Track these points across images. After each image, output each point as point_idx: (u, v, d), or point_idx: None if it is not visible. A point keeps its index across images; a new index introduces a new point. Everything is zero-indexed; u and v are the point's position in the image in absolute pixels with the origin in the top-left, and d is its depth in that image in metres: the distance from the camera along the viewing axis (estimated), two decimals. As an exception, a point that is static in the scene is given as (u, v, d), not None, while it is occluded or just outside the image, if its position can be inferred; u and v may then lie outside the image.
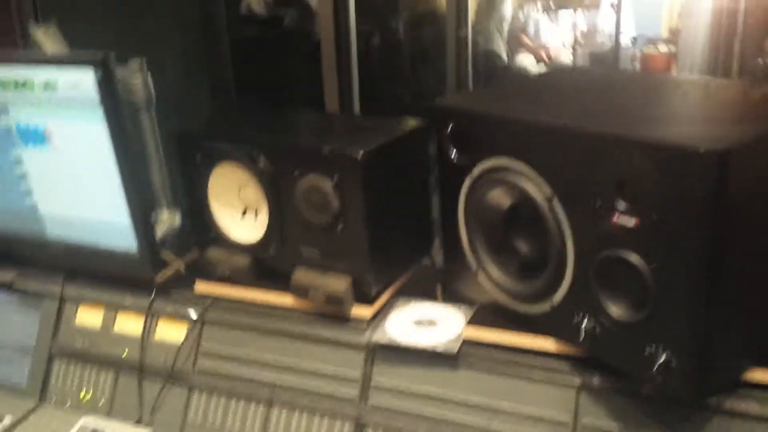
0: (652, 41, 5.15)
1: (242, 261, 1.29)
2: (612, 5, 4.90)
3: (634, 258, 0.92)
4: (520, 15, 5.26)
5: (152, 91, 1.52)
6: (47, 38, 1.50)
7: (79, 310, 1.40)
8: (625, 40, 4.98)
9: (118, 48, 1.22)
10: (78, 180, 1.29)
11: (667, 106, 1.03)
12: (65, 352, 1.39)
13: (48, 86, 1.22)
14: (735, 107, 1.01)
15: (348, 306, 1.20)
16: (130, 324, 1.36)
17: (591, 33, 5.30)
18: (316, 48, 2.83)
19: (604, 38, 5.16)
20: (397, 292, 1.29)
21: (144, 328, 1.33)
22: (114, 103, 1.19)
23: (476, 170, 1.11)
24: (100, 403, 1.35)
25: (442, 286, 1.28)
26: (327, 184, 1.14)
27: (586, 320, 1.02)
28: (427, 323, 1.20)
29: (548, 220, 1.02)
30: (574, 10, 5.25)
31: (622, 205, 0.91)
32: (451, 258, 1.22)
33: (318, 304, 1.22)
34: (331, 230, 1.17)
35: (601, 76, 1.30)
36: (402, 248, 1.26)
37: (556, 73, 1.43)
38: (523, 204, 1.07)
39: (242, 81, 3.91)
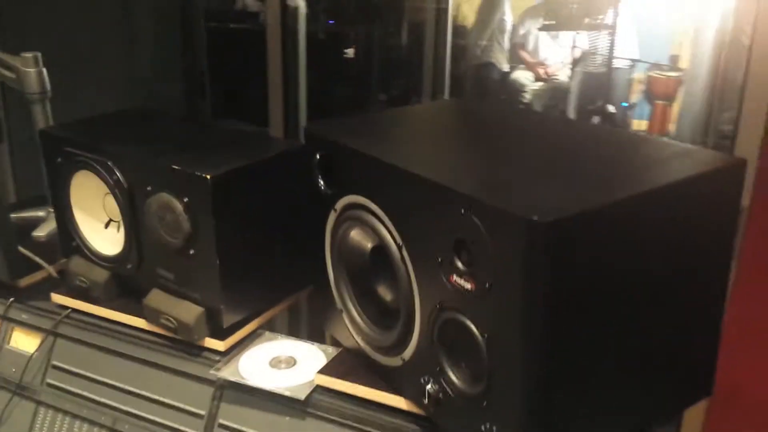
0: (658, 65, 5.02)
1: (100, 275, 1.20)
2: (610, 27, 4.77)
3: (470, 324, 0.82)
4: (520, 29, 5.14)
5: (47, 84, 1.44)
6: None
7: (-58, 307, 1.31)
8: (624, 63, 4.85)
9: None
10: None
11: (540, 161, 0.92)
12: None
13: None
14: (606, 171, 0.90)
15: (198, 336, 1.10)
16: (-14, 329, 1.27)
17: (590, 53, 5.17)
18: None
19: (603, 59, 5.04)
20: (264, 324, 1.19)
21: (-4, 335, 1.24)
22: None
23: (339, 204, 1.01)
24: (-52, 410, 1.26)
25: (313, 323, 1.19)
26: (177, 205, 1.04)
27: (431, 383, 0.92)
28: (284, 362, 1.10)
29: (399, 269, 0.92)
30: (576, 31, 5.11)
31: (459, 264, 0.81)
32: (320, 295, 1.13)
33: (169, 332, 1.12)
34: (183, 254, 1.07)
35: (495, 115, 1.19)
36: (269, 279, 1.16)
37: (452, 105, 1.33)
38: (383, 248, 0.97)
39: (215, 74, 3.83)
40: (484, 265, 0.77)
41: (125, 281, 1.19)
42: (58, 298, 1.23)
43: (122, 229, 1.17)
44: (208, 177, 1.00)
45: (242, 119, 3.97)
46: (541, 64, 4.98)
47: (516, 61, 4.90)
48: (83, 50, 3.09)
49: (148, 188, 1.07)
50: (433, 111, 1.22)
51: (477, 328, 0.81)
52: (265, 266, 1.13)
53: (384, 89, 3.96)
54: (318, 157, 1.04)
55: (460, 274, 0.81)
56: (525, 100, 4.75)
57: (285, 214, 1.13)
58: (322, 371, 1.05)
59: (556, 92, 4.81)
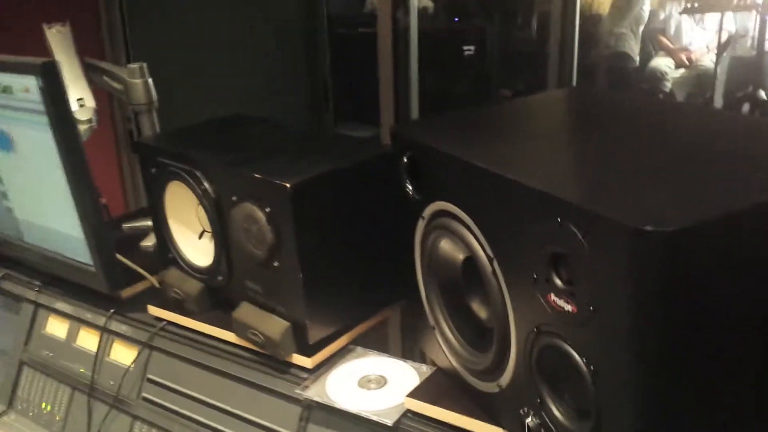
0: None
1: (194, 287, 1.17)
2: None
3: (573, 353, 0.69)
4: (661, 14, 4.79)
5: (153, 95, 1.44)
6: (56, 40, 1.46)
7: (49, 319, 1.35)
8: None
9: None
10: (39, 189, 1.23)
11: (663, 160, 0.77)
12: (33, 360, 1.34)
13: (6, 90, 1.16)
14: (741, 171, 0.74)
15: (285, 352, 1.04)
16: (90, 340, 1.28)
17: (739, 36, 4.72)
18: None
19: (753, 42, 4.58)
20: (355, 339, 1.11)
21: (98, 346, 1.25)
22: (59, 112, 1.10)
23: (427, 212, 0.91)
24: (57, 418, 1.29)
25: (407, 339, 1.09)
26: (260, 215, 0.98)
27: (531, 416, 0.80)
28: (374, 382, 1.02)
29: (491, 284, 0.80)
30: (722, 13, 4.69)
31: (558, 282, 0.69)
32: (413, 310, 1.03)
33: (257, 346, 1.07)
34: (268, 266, 1.02)
35: (619, 107, 1.03)
36: (357, 292, 1.08)
37: (569, 96, 1.17)
38: (475, 261, 0.86)
39: (340, 80, 3.84)
40: (587, 283, 0.65)
41: (217, 293, 1.16)
42: (154, 310, 1.22)
43: (213, 241, 1.13)
44: (288, 185, 0.93)
45: (364, 122, 3.96)
46: (684, 49, 4.61)
47: (653, 48, 4.58)
48: (210, 62, 3.18)
49: (234, 198, 1.02)
50: (544, 104, 1.09)
51: (581, 358, 0.68)
52: (352, 279, 1.05)
53: (508, 85, 3.80)
54: (405, 160, 0.95)
55: (559, 294, 0.69)
56: (665, 89, 4.42)
57: (373, 223, 1.05)
58: (412, 394, 0.96)
59: (700, 79, 4.43)
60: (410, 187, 0.95)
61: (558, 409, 0.75)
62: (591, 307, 0.65)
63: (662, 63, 4.64)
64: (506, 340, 0.81)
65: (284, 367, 1.06)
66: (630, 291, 0.60)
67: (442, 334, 0.95)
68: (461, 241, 0.85)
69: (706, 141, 0.83)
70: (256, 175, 0.97)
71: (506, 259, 0.77)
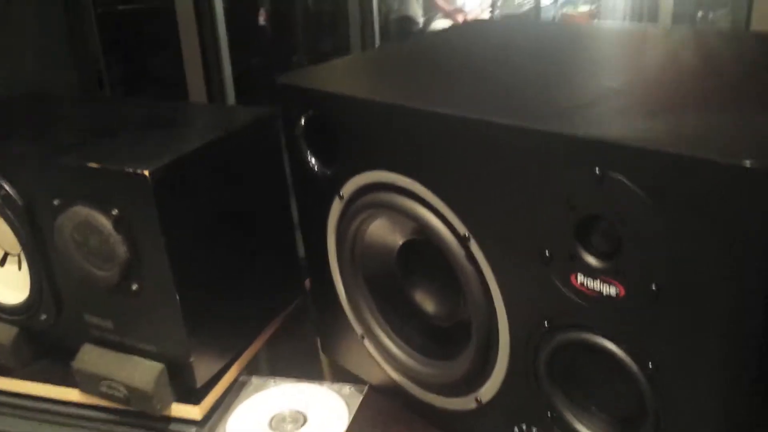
0: (571, 1, 4.86)
1: (4, 333, 0.83)
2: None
3: (617, 350, 0.52)
4: (435, -24, 4.84)
5: None
6: None
7: None
8: (546, 1, 4.65)
9: None
10: None
11: (648, 82, 0.62)
12: None
13: None
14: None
15: (162, 404, 0.76)
16: None
17: (507, -6, 4.91)
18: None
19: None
20: (248, 365, 0.86)
21: None
22: None
23: (347, 188, 0.68)
24: None
25: (322, 349, 0.86)
26: (102, 221, 0.69)
27: (532, 432, 0.62)
28: (291, 420, 0.78)
29: (465, 272, 0.60)
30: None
31: (590, 259, 0.51)
32: (325, 314, 0.80)
33: (116, 402, 0.77)
34: (123, 290, 0.72)
35: (522, 31, 0.88)
36: (249, 304, 0.82)
37: (460, 30, 1.01)
38: (426, 242, 0.66)
39: (112, 56, 3.39)
40: (646, 255, 0.47)
41: (40, 338, 0.83)
42: (-56, 375, 0.86)
43: (25, 266, 0.80)
44: (147, 173, 0.65)
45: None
46: (459, 10, 4.72)
47: (432, 11, 4.64)
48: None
49: (56, 202, 0.71)
50: (429, 44, 0.89)
51: (631, 356, 0.51)
52: (239, 290, 0.79)
53: (308, 52, 3.59)
54: (303, 122, 0.71)
55: (593, 274, 0.51)
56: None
57: (257, 212, 0.79)
58: (353, 428, 0.73)
59: (478, 39, 4.58)
60: (313, 160, 0.72)
61: (583, 424, 0.57)
62: (653, 286, 0.47)
63: (442, 25, 4.71)
64: (491, 343, 0.61)
65: (162, 425, 0.77)
66: (730, 257, 0.43)
67: (377, 342, 0.74)
68: (410, 221, 0.64)
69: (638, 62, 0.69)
70: (92, 165, 0.67)
71: (491, 236, 0.57)
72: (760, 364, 0.46)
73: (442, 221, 0.60)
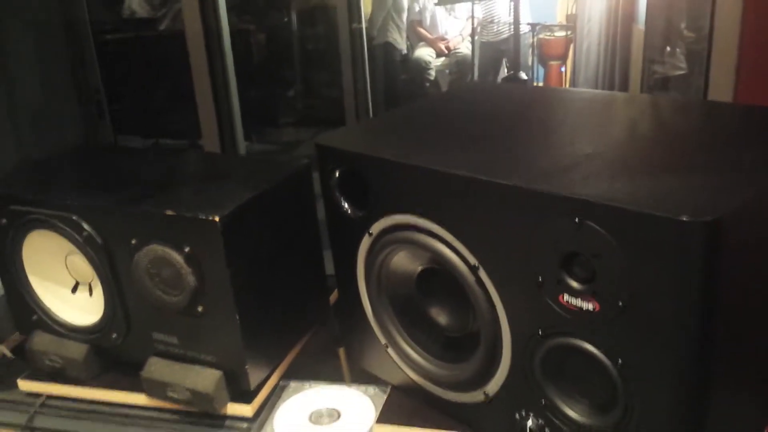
0: (548, 27, 5.06)
1: (77, 350, 0.98)
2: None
3: (594, 350, 0.68)
4: (415, 6, 5.03)
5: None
6: None
7: None
8: (524, 29, 4.85)
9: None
10: None
11: (613, 148, 0.79)
12: None
13: None
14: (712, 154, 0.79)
15: (220, 405, 0.91)
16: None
17: (486, 22, 5.13)
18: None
19: (501, 27, 5.01)
20: (286, 371, 1.01)
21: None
22: None
23: (375, 228, 0.85)
24: None
25: (346, 361, 1.02)
26: (176, 257, 0.84)
27: (531, 418, 0.78)
28: (327, 415, 0.93)
29: (475, 293, 0.77)
30: (473, 2, 5.06)
31: (572, 283, 0.67)
32: (353, 328, 0.96)
33: (180, 404, 0.92)
34: (189, 312, 0.88)
35: (516, 95, 1.05)
36: (288, 320, 0.98)
37: (467, 93, 1.18)
38: (440, 269, 0.82)
39: (113, 89, 3.53)
40: (613, 281, 0.64)
41: (107, 353, 0.98)
42: (26, 384, 1.00)
43: (97, 293, 0.95)
44: (217, 219, 0.81)
45: (149, 135, 3.66)
46: (441, 38, 4.90)
47: (414, 39, 4.80)
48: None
49: (133, 241, 0.86)
50: (456, 101, 1.06)
51: (605, 355, 0.67)
52: (282, 310, 0.95)
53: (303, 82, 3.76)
54: (337, 175, 0.87)
55: (575, 294, 0.67)
56: (430, 78, 4.67)
57: (294, 245, 0.96)
58: (381, 419, 0.89)
59: (459, 66, 4.75)
60: (346, 205, 0.88)
61: (570, 408, 0.74)
62: (620, 303, 0.64)
63: (425, 53, 4.88)
64: (496, 348, 0.78)
65: (219, 422, 0.93)
66: (671, 284, 0.60)
67: (400, 350, 0.90)
68: (428, 253, 0.81)
69: (656, 127, 0.87)
70: (169, 212, 0.83)
71: (496, 266, 0.74)
72: (701, 359, 0.63)
73: (456, 254, 0.77)
